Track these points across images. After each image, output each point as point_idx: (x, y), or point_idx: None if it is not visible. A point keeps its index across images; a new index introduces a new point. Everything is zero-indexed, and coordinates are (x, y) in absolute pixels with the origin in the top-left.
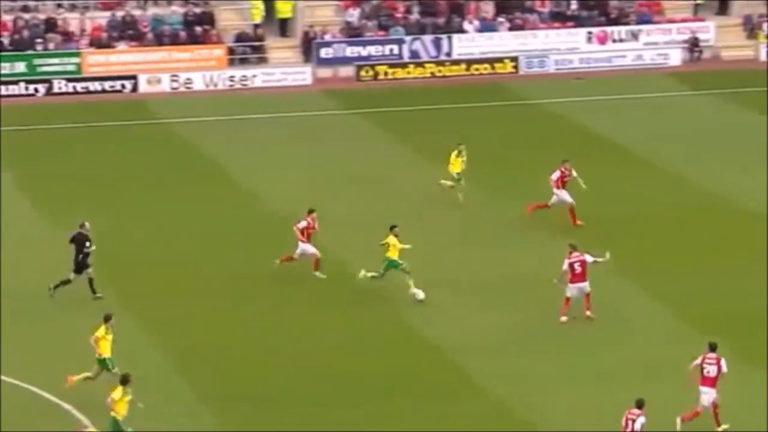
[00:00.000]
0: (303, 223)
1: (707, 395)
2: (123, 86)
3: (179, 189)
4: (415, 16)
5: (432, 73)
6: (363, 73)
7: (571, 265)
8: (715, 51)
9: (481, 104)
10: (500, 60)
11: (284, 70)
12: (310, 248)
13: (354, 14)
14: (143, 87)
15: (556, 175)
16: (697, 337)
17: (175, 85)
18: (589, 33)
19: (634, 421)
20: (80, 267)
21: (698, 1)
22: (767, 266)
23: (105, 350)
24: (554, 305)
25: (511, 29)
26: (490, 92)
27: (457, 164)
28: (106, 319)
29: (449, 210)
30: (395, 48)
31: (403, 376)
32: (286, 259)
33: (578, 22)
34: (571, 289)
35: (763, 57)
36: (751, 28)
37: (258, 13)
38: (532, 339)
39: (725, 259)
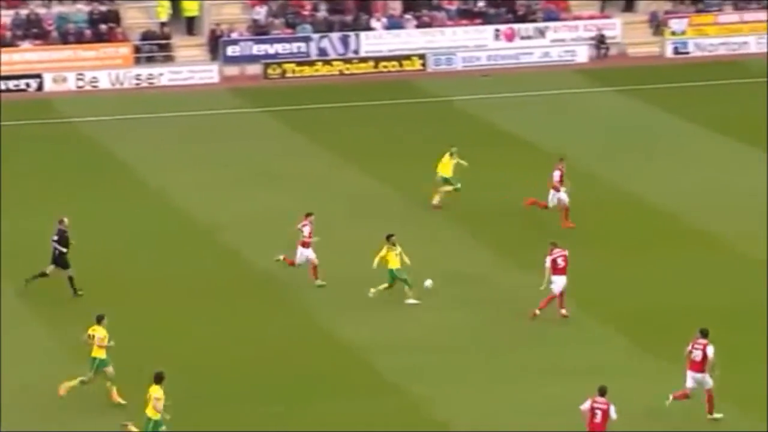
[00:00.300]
0: (307, 229)
1: (691, 379)
2: (28, 85)
3: (86, 189)
4: (322, 13)
5: (340, 70)
6: (270, 71)
7: (554, 260)
8: (622, 48)
9: (390, 102)
10: (408, 57)
11: (191, 68)
12: (310, 254)
13: (261, 12)
14: (48, 86)
15: (557, 175)
16: (614, 336)
17: (80, 83)
18: (497, 30)
19: (602, 410)
20: (64, 262)
21: None
22: (679, 264)
23: (100, 350)
24: (467, 303)
25: (418, 26)
26: (399, 90)
27: (448, 166)
28: (99, 319)
29: (360, 207)
30: (303, 46)
31: (314, 376)
32: (290, 262)
33: (485, 19)
34: (555, 282)
35: (668, 53)
36: (656, 25)
37: (164, 11)
38: (446, 337)
39: (638, 257)
